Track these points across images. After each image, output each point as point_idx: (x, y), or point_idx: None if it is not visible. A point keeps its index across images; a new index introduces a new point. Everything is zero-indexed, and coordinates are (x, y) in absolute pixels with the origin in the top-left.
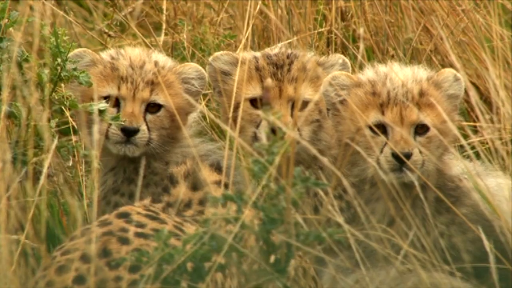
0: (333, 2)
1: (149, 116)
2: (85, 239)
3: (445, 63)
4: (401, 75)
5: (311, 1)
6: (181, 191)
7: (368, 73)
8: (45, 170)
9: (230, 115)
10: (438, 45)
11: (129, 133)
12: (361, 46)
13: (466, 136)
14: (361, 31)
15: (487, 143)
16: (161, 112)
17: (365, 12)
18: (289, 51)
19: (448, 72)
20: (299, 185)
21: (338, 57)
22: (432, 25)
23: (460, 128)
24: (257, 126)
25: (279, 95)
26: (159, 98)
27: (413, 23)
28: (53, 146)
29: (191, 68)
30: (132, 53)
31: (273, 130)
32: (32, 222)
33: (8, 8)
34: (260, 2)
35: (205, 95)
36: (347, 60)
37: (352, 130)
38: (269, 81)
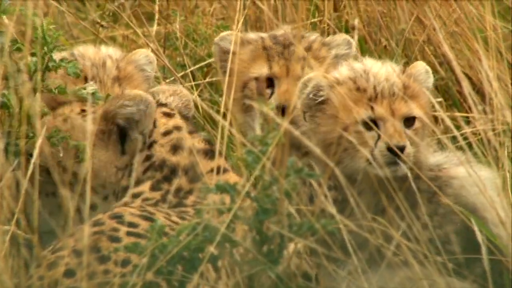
0: None
1: None
2: (76, 237)
3: (438, 54)
4: (382, 69)
5: None
6: (182, 181)
7: (343, 71)
8: (34, 159)
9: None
10: (431, 36)
11: None
12: (355, 37)
13: (458, 127)
14: (355, 22)
15: (479, 134)
16: None
17: (357, 2)
18: (294, 31)
19: (420, 65)
20: (293, 175)
21: (343, 37)
22: (425, 15)
23: (453, 119)
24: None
25: (286, 74)
26: None
27: (406, 14)
28: (42, 133)
29: (141, 54)
30: (88, 53)
31: (283, 110)
32: (24, 212)
33: None
34: None
35: (197, 86)
36: (352, 40)
37: (339, 129)
38: (262, 73)
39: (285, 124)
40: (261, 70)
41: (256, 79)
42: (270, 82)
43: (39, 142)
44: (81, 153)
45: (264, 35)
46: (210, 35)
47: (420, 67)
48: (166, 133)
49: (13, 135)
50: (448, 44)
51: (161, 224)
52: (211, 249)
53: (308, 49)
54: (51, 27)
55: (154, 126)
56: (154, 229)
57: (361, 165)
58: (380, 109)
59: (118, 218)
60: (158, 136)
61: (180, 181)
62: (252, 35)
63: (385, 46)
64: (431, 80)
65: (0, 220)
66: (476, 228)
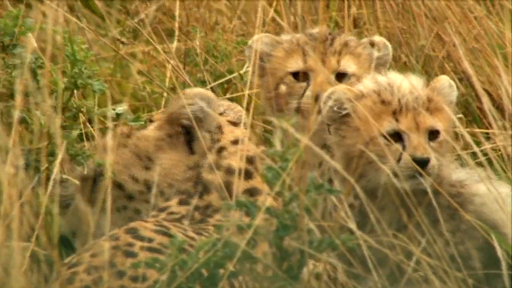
0: (346, 9)
1: None
2: (91, 253)
3: (458, 70)
4: (405, 82)
5: (324, 8)
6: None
7: (367, 84)
8: (53, 176)
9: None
10: (451, 52)
11: None
12: (375, 53)
13: (478, 143)
14: (376, 38)
15: (499, 150)
16: None
17: (377, 19)
18: (329, 30)
19: (443, 79)
20: (313, 191)
21: (379, 39)
22: (445, 32)
23: (473, 134)
24: (300, 98)
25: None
26: None
27: (426, 30)
28: (62, 151)
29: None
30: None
31: (316, 98)
32: (44, 228)
33: (21, 15)
34: (272, 10)
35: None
36: (388, 43)
37: (365, 140)
38: (283, 88)
39: (305, 140)
40: (297, 64)
41: (292, 74)
42: (306, 76)
43: (59, 158)
44: (103, 168)
45: (299, 34)
46: (230, 51)
47: (443, 81)
48: (235, 142)
49: (33, 152)
50: (468, 60)
51: (181, 240)
52: (231, 265)
53: (345, 45)
54: (83, 47)
55: (221, 132)
56: (174, 245)
57: (384, 178)
58: (405, 122)
59: (133, 232)
60: (228, 143)
61: (210, 197)
62: (285, 36)
63: (405, 63)
64: (454, 94)
65: (21, 236)
66: (496, 244)
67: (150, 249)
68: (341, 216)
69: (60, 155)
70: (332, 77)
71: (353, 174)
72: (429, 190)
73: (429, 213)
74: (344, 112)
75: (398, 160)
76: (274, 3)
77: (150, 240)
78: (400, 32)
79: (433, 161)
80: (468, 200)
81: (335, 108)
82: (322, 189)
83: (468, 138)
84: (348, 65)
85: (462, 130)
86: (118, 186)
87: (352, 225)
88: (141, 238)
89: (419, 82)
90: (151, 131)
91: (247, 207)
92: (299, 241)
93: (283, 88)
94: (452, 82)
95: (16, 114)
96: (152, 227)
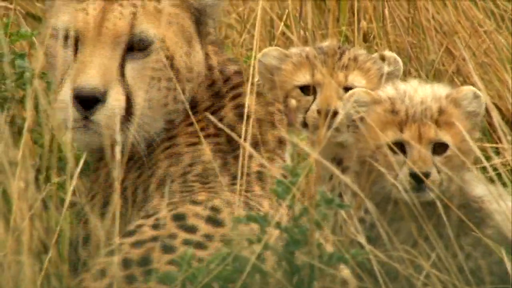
0: (356, 23)
1: None
2: (133, 240)
3: (467, 84)
4: (421, 92)
5: (334, 22)
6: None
7: (389, 90)
8: (68, 198)
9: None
10: (461, 67)
11: None
12: (386, 68)
13: (488, 158)
14: (387, 53)
15: (509, 165)
16: None
17: (387, 33)
18: (339, 44)
19: (467, 89)
20: (323, 206)
21: (390, 55)
22: (455, 46)
23: (482, 149)
24: (306, 112)
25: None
26: None
27: (436, 45)
28: (77, 171)
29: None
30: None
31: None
32: (55, 243)
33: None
34: (282, 23)
35: None
36: (398, 58)
37: (372, 148)
38: (293, 102)
39: (315, 155)
40: (304, 78)
41: (299, 87)
42: (313, 90)
43: (76, 175)
44: None
45: (308, 48)
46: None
47: (466, 91)
48: None
49: (43, 166)
50: (477, 75)
51: (191, 254)
52: (241, 279)
53: (354, 59)
54: None
55: None
56: (184, 259)
57: (390, 188)
58: (408, 133)
59: (180, 220)
60: None
61: None
62: (294, 49)
63: (415, 77)
64: (478, 105)
65: (31, 250)
66: (506, 259)
67: (192, 242)
68: (351, 230)
69: (76, 175)
70: (341, 91)
71: (366, 180)
72: (438, 203)
73: (450, 226)
74: (358, 115)
75: (400, 171)
76: (284, 17)
77: (194, 230)
78: (410, 46)
79: (434, 176)
80: (488, 216)
81: (352, 110)
82: (332, 204)
83: (478, 153)
84: (356, 80)
85: (472, 144)
86: None
87: (362, 240)
88: (186, 228)
89: (442, 92)
90: None
91: (257, 221)
92: (309, 255)
93: (292, 102)
94: (478, 93)
95: (26, 126)
96: (202, 213)
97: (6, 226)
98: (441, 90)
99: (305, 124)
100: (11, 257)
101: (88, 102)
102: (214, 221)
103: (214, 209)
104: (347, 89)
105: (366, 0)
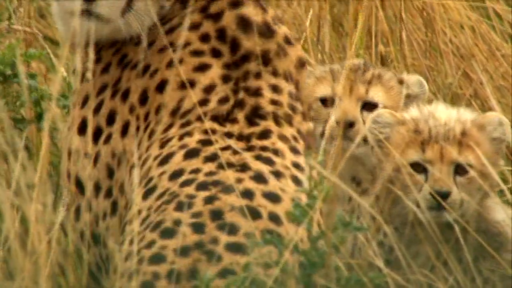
0: (373, 46)
1: None
2: (175, 246)
3: (485, 108)
4: (445, 114)
5: (351, 45)
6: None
7: (413, 112)
8: (85, 219)
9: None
10: (478, 90)
11: None
12: (404, 91)
13: (505, 181)
14: (412, 77)
15: None
16: None
17: (405, 56)
18: (367, 62)
19: (493, 115)
20: (341, 229)
21: (416, 78)
22: (472, 70)
23: (501, 173)
24: (325, 123)
25: (349, 93)
26: None
27: (453, 68)
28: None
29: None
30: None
31: (351, 124)
32: (73, 266)
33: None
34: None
35: None
36: (424, 82)
37: (394, 168)
38: (310, 125)
39: (333, 178)
40: (325, 90)
41: (319, 99)
42: (333, 102)
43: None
44: None
45: (335, 64)
46: None
47: (491, 117)
48: None
49: (60, 188)
50: (495, 98)
51: (209, 277)
52: None
53: (378, 76)
54: None
55: None
56: (202, 282)
57: (408, 209)
58: (431, 152)
59: (219, 218)
60: None
61: None
62: (320, 66)
63: (432, 100)
64: (502, 132)
65: (49, 274)
66: None
67: (234, 248)
68: (369, 253)
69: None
70: (358, 105)
71: (385, 202)
72: (456, 228)
73: (469, 250)
74: (382, 136)
75: (420, 190)
76: (301, 40)
77: (235, 229)
78: (428, 69)
79: (455, 195)
80: (508, 241)
81: (376, 131)
82: (350, 227)
83: (495, 176)
84: (377, 95)
85: (489, 167)
86: None
87: (380, 263)
88: (226, 228)
89: (467, 116)
90: None
91: (274, 244)
92: (326, 278)
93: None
94: (505, 120)
95: (43, 148)
96: (237, 201)
97: (23, 249)
98: (466, 114)
99: (323, 135)
100: (29, 281)
101: None
102: (253, 211)
103: (248, 193)
104: (367, 103)
105: (383, 23)
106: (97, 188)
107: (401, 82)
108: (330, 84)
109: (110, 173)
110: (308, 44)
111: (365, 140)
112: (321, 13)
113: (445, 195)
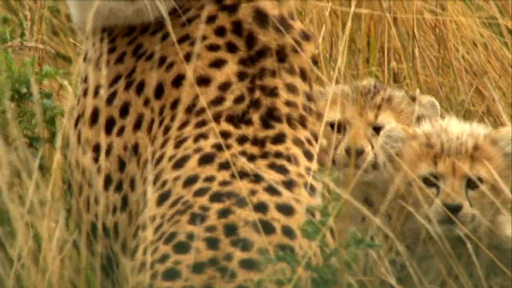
0: (386, 63)
1: None
2: (189, 261)
3: (498, 125)
4: (457, 128)
5: (364, 62)
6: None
7: (425, 126)
8: (99, 238)
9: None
10: (491, 107)
11: None
12: (416, 108)
13: None
14: (416, 92)
15: None
16: None
17: (417, 73)
18: (378, 83)
19: (506, 130)
20: (353, 246)
21: (428, 99)
22: (485, 86)
23: None
24: (335, 149)
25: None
26: None
27: (466, 85)
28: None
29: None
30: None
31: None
32: (85, 283)
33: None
34: (315, 43)
35: None
36: (436, 102)
37: (405, 183)
38: (323, 143)
39: (346, 195)
40: (334, 115)
41: (329, 124)
42: (344, 127)
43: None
44: None
45: (346, 86)
46: None
47: (504, 132)
48: None
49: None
50: (507, 115)
51: None
52: None
53: (388, 99)
54: None
55: None
56: None
57: (420, 223)
58: (443, 166)
59: (232, 233)
60: None
61: None
62: (330, 88)
63: (445, 117)
64: None
65: None
66: None
67: (248, 264)
68: (382, 271)
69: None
70: (369, 131)
71: (397, 218)
72: (468, 244)
73: (481, 266)
74: (394, 151)
75: (432, 203)
76: (319, 37)
77: (249, 245)
78: (440, 86)
79: (466, 209)
80: None
81: (388, 146)
82: (363, 244)
83: (508, 192)
84: (387, 120)
85: (501, 184)
86: None
87: (392, 280)
88: (240, 244)
89: (479, 131)
90: None
91: (287, 261)
92: None
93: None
94: None
95: (55, 166)
96: (251, 215)
97: (36, 266)
98: (479, 129)
99: (334, 161)
100: None
101: None
102: (266, 224)
103: (262, 206)
104: (377, 128)
105: (396, 40)
106: (107, 180)
107: (413, 99)
108: (340, 109)
109: (122, 166)
110: (321, 61)
111: (374, 166)
112: (333, 29)
113: (457, 209)
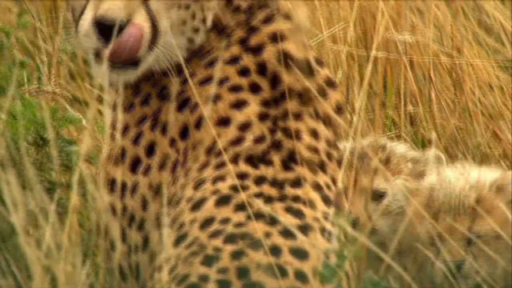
0: (402, 106)
1: None
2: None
3: None
4: (461, 180)
5: (380, 105)
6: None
7: (430, 178)
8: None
9: None
10: (507, 150)
11: None
12: (432, 151)
13: None
14: (433, 135)
15: None
16: None
17: (434, 116)
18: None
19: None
20: None
21: (433, 153)
22: (501, 129)
23: None
24: None
25: (354, 185)
26: None
27: (482, 128)
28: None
29: None
30: None
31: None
32: None
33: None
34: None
35: None
36: (442, 155)
37: (412, 237)
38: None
39: (362, 238)
40: None
41: None
42: None
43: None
44: None
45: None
46: None
47: (510, 178)
48: None
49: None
50: None
51: None
52: None
53: (386, 161)
54: None
55: None
56: None
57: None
58: (443, 225)
59: (244, 275)
60: None
61: None
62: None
63: (461, 160)
64: None
65: None
66: None
67: None
68: None
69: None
70: (364, 198)
71: (412, 265)
72: None
73: None
74: (397, 209)
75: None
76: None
77: (246, 272)
78: (457, 129)
79: (468, 266)
80: None
81: (392, 204)
82: (379, 287)
83: (509, 240)
84: (382, 184)
85: (504, 236)
86: None
87: None
88: (252, 287)
89: (487, 178)
90: None
91: None
92: None
93: None
94: None
95: (71, 209)
96: (264, 258)
97: None
98: (488, 175)
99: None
100: None
101: (110, 32)
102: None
103: (275, 249)
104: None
105: (412, 83)
106: (131, 218)
107: (429, 142)
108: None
109: (144, 205)
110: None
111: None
112: (350, 72)
113: (459, 267)
